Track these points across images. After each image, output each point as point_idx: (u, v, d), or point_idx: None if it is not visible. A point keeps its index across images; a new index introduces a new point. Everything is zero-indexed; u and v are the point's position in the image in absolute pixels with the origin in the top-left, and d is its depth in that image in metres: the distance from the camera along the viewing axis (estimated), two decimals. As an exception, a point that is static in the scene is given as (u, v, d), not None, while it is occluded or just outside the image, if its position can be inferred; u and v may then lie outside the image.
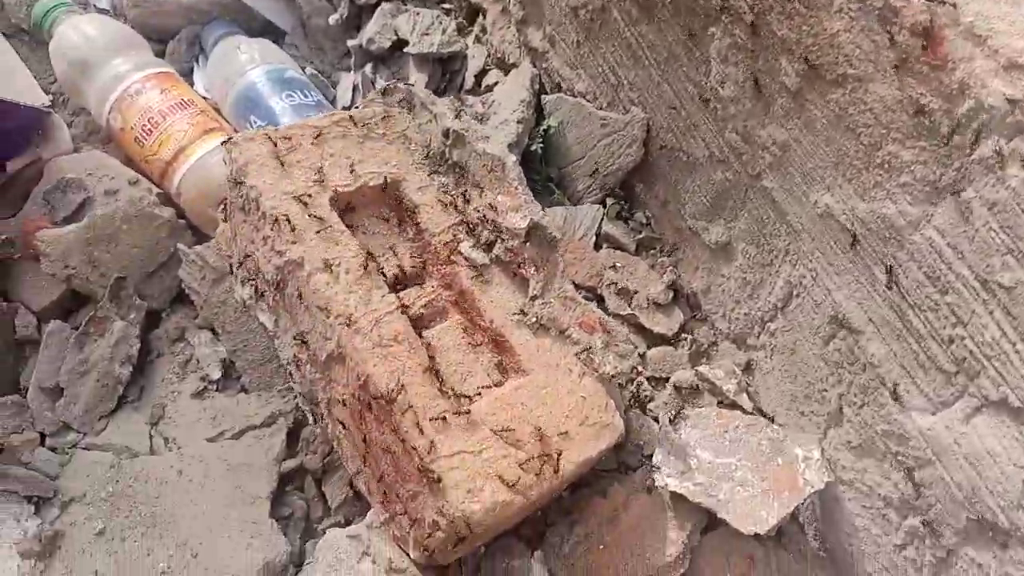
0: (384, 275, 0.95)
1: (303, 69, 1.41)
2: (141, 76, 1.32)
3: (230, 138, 0.97)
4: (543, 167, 1.25)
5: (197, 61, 1.47)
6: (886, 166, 0.77)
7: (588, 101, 1.16)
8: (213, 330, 1.23)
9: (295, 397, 1.16)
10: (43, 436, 1.16)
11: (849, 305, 0.87)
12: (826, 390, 0.94)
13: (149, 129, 1.29)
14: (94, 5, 1.48)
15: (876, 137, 0.77)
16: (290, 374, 0.99)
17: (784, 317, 0.98)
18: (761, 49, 0.85)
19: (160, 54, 1.44)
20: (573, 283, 1.09)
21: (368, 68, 1.37)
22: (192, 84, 1.44)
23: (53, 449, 1.15)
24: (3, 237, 1.22)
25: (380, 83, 1.36)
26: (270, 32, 1.45)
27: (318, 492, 1.13)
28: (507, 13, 1.27)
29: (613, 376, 0.95)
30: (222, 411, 1.18)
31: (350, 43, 1.38)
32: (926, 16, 0.69)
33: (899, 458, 0.84)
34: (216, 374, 1.21)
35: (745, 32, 0.86)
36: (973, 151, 0.69)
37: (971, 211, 0.70)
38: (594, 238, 1.18)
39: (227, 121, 1.36)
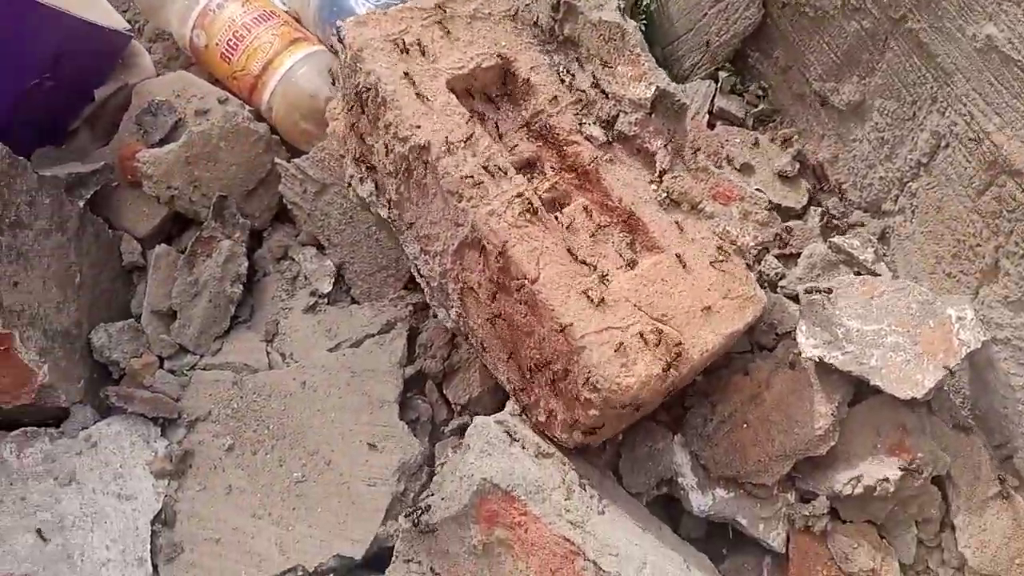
0: (507, 157, 0.91)
1: (380, -27, 1.36)
2: (221, -11, 1.29)
3: (340, 27, 0.93)
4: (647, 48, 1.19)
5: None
6: (1069, -22, 0.70)
7: (697, -33, 1.09)
8: (318, 244, 1.22)
9: (408, 306, 1.15)
10: (161, 360, 1.16)
11: (1012, 145, 0.81)
12: (979, 245, 0.88)
13: (235, 43, 1.26)
14: (159, -74, 1.44)
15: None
16: (416, 269, 0.97)
17: (928, 174, 0.92)
18: None
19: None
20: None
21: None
22: (268, -1, 1.40)
23: (172, 371, 1.16)
24: (102, 164, 1.21)
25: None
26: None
27: (440, 396, 1.12)
28: None
29: (753, 246, 0.91)
30: (336, 323, 1.17)
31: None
32: None
33: (1074, 303, 0.80)
34: (326, 288, 1.20)
35: None
36: None
37: None
38: (707, 116, 1.13)
39: (310, 31, 1.32)
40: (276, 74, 1.24)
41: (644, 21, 1.16)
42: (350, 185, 1.01)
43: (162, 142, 1.23)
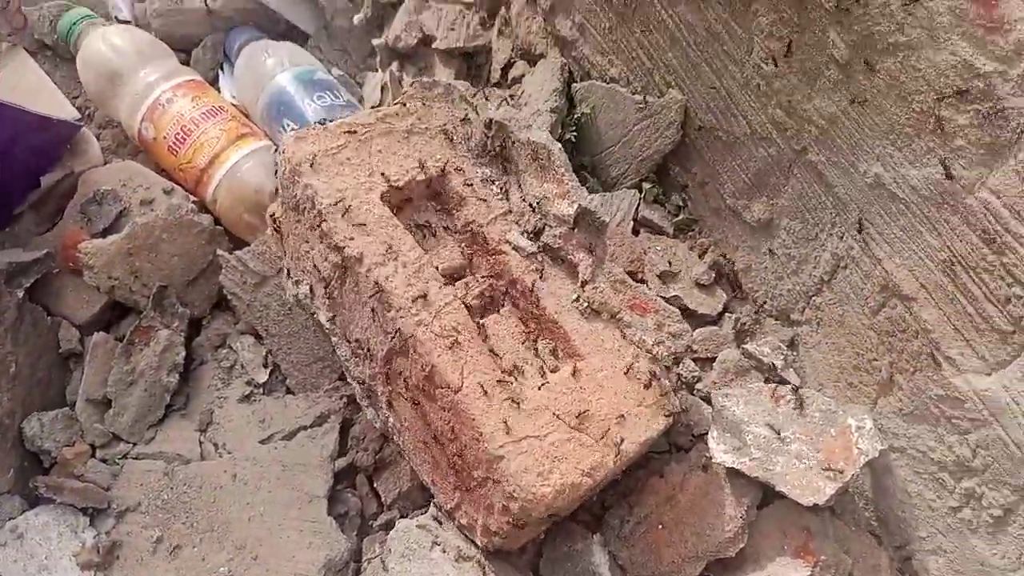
0: (437, 268, 0.96)
1: (329, 71, 1.42)
2: (171, 85, 1.33)
3: (279, 142, 0.98)
4: (576, 155, 1.26)
5: (222, 67, 1.48)
6: (939, 131, 0.78)
7: (621, 87, 1.17)
8: (256, 334, 1.24)
9: (342, 397, 1.17)
10: (93, 448, 1.17)
11: (900, 273, 0.88)
12: (876, 359, 0.95)
13: (182, 137, 1.30)
14: (116, 17, 1.49)
15: (929, 103, 0.78)
16: (347, 370, 1.00)
17: (831, 290, 0.99)
18: (808, 23, 0.86)
19: (185, 63, 1.45)
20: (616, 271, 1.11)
21: (394, 66, 1.38)
22: (219, 91, 1.45)
23: (104, 460, 1.16)
24: (43, 252, 1.23)
25: (407, 80, 1.37)
26: (293, 35, 1.46)
27: (370, 489, 1.14)
28: (533, 4, 1.28)
29: (665, 356, 0.96)
30: (270, 414, 1.19)
31: (375, 42, 1.39)
32: (978, -19, 0.70)
33: (954, 421, 0.86)
34: (262, 377, 1.22)
35: (791, 7, 0.87)
36: (1031, 109, 0.71)
37: (1020, 173, 0.72)
38: (631, 223, 1.19)
39: (257, 126, 1.37)
40: (222, 168, 1.28)
41: (575, 132, 1.23)
42: (285, 286, 1.04)
43: (106, 231, 1.26)
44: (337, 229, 0.92)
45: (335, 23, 1.43)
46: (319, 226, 0.94)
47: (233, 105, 1.40)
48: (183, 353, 1.21)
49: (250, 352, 1.24)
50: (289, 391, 1.22)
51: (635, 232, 1.20)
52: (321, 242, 0.94)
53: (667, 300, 1.12)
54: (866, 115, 0.85)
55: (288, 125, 1.30)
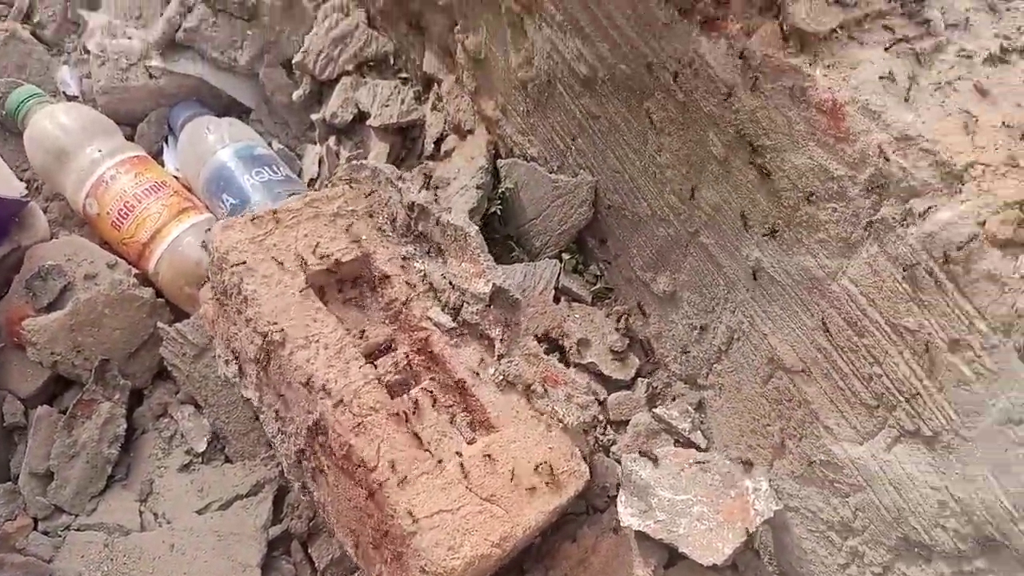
0: (359, 347, 1.02)
1: (269, 144, 1.48)
2: (115, 162, 1.39)
3: (209, 228, 1.04)
4: (503, 226, 1.33)
5: (166, 141, 1.54)
6: (804, 224, 0.86)
7: (540, 165, 1.25)
8: (196, 404, 1.29)
9: (278, 465, 1.22)
10: (36, 521, 1.20)
11: (783, 348, 0.95)
12: (769, 425, 1.02)
13: (125, 213, 1.35)
14: (64, 92, 1.54)
15: (795, 199, 0.86)
16: (275, 446, 1.05)
17: (728, 359, 1.07)
18: (691, 122, 0.94)
19: (130, 137, 1.51)
20: (536, 336, 1.18)
21: (332, 141, 1.44)
22: (163, 164, 1.50)
23: (46, 533, 1.20)
24: (-12, 327, 1.27)
25: (344, 154, 1.44)
26: (235, 109, 1.53)
27: (305, 556, 1.18)
28: (461, 83, 1.36)
29: (576, 426, 1.03)
30: (208, 483, 1.23)
31: (313, 117, 1.46)
32: (828, 95, 0.78)
33: (836, 485, 0.93)
34: (201, 446, 1.27)
35: (676, 107, 0.95)
36: (876, 212, 0.78)
37: (877, 264, 0.80)
38: (553, 291, 1.26)
39: (199, 199, 1.43)
40: (163, 243, 1.34)
41: (500, 206, 1.30)
42: (218, 364, 1.10)
43: (50, 306, 1.30)
44: (261, 314, 0.98)
45: (275, 98, 1.49)
46: (245, 310, 0.99)
47: (176, 178, 1.45)
48: (124, 425, 1.26)
49: (190, 421, 1.29)
50: (228, 459, 1.27)
51: (556, 300, 1.26)
52: (247, 326, 1.00)
53: (584, 367, 1.19)
54: (744, 206, 0.93)
55: (228, 200, 1.36)
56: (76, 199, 1.40)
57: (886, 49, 0.78)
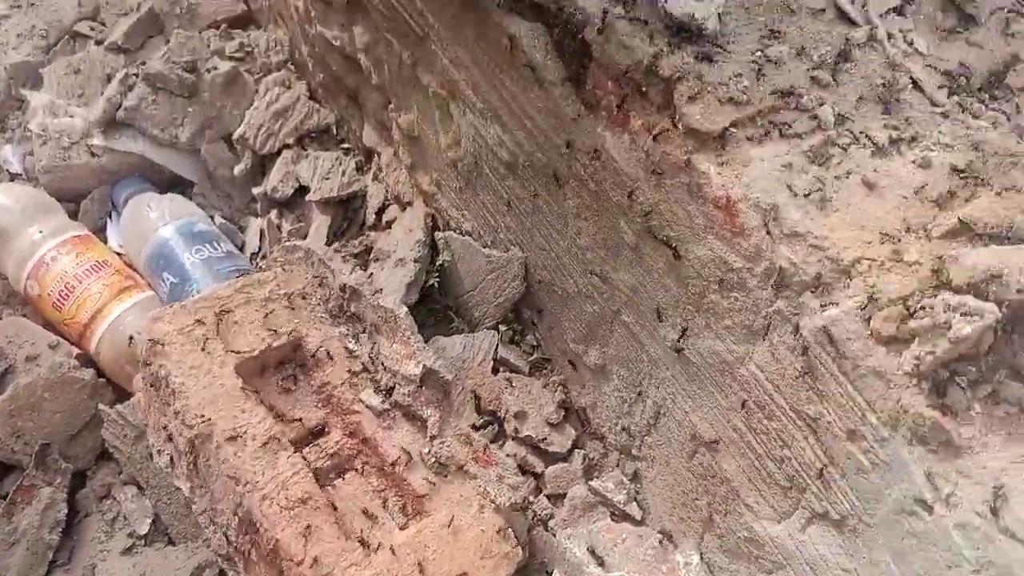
0: (290, 435, 1.02)
1: (212, 218, 1.50)
2: (56, 242, 1.39)
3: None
4: (443, 296, 1.35)
5: (110, 216, 1.55)
6: (711, 311, 0.88)
7: (475, 239, 1.27)
8: (138, 485, 1.29)
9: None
10: (-24, 608, 1.20)
11: (703, 426, 0.97)
12: (697, 499, 1.03)
13: (66, 294, 1.36)
14: (7, 170, 1.55)
15: (700, 287, 0.88)
16: (206, 537, 1.06)
17: (657, 432, 1.08)
18: (603, 210, 0.97)
19: (74, 214, 1.52)
20: (476, 407, 1.19)
21: (273, 214, 1.46)
22: (107, 240, 1.51)
23: (-14, 620, 1.19)
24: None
25: (286, 227, 1.46)
26: (178, 184, 1.54)
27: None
28: (398, 157, 1.38)
29: (507, 507, 1.04)
30: (151, 565, 1.22)
31: (255, 191, 1.48)
32: (723, 192, 0.81)
33: (760, 561, 0.94)
34: (143, 529, 1.26)
35: (589, 195, 0.98)
36: (773, 304, 0.81)
37: (778, 352, 0.82)
38: (492, 362, 1.28)
39: (142, 276, 1.43)
40: (104, 322, 1.34)
41: (438, 278, 1.32)
42: (154, 452, 1.10)
43: (-10, 390, 1.30)
44: (188, 407, 0.99)
45: (218, 172, 1.51)
46: (173, 403, 1.00)
47: (119, 255, 1.46)
48: (65, 510, 1.25)
49: (133, 503, 1.29)
50: (170, 541, 1.27)
51: (495, 371, 1.28)
52: (176, 418, 1.01)
53: (521, 440, 1.20)
54: (658, 289, 0.95)
55: (168, 279, 1.37)
56: (17, 280, 1.40)
57: (777, 146, 0.81)
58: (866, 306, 0.73)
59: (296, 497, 0.96)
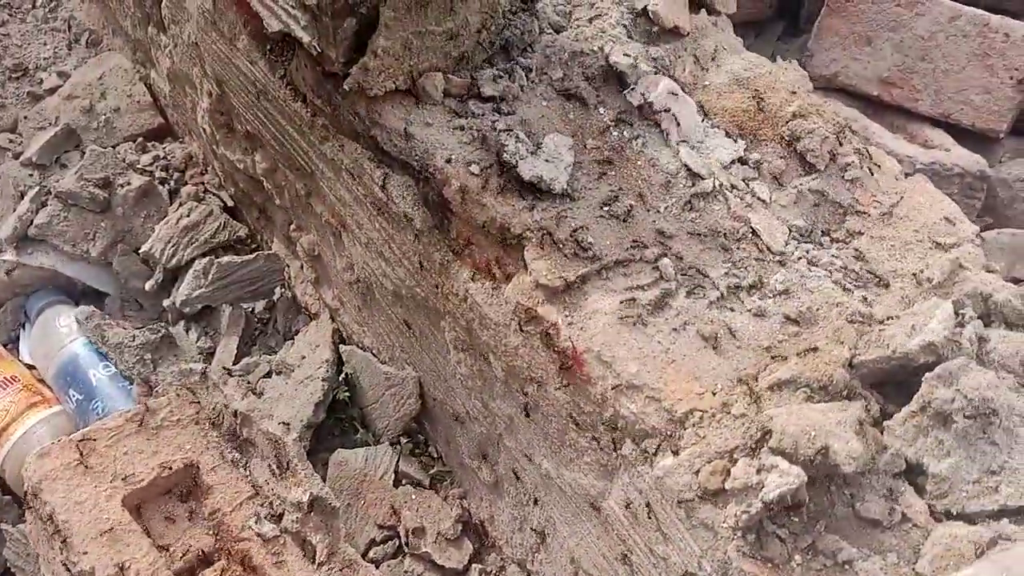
0: (174, 568, 1.04)
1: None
2: (-36, 359, 1.40)
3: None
4: (350, 407, 1.38)
5: (23, 327, 1.56)
6: (573, 448, 0.93)
7: (374, 355, 1.30)
8: (40, 606, 1.28)
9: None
10: None
11: (579, 551, 1.01)
12: (581, 620, 1.06)
13: (-28, 411, 1.36)
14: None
15: (561, 425, 0.93)
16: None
17: (545, 551, 1.11)
18: (475, 346, 1.01)
19: (-14, 326, 1.53)
20: (378, 524, 1.22)
21: (181, 324, 1.49)
22: (18, 352, 1.52)
23: None
24: None
25: (193, 337, 1.48)
26: (91, 295, 1.56)
27: None
28: (303, 272, 1.42)
29: (394, 632, 1.06)
30: None
31: (165, 303, 1.50)
32: (570, 343, 0.86)
33: None
34: (40, 650, 1.26)
35: (463, 331, 1.02)
36: (618, 448, 0.85)
37: (630, 494, 0.86)
38: (393, 475, 1.31)
39: (51, 388, 1.44)
40: (10, 440, 1.35)
41: (347, 392, 1.35)
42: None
43: None
44: (72, 544, 1.00)
45: (130, 284, 1.53)
46: (56, 541, 1.01)
47: (30, 368, 1.47)
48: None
49: (31, 623, 1.28)
50: (68, 663, 1.26)
51: (397, 483, 1.31)
52: (60, 554, 1.02)
53: (419, 556, 1.23)
54: (529, 423, 0.99)
55: (74, 396, 1.38)
56: (-77, 398, 1.40)
57: (619, 298, 0.86)
58: (694, 460, 0.78)
59: (177, 636, 0.97)
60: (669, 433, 0.81)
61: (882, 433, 0.77)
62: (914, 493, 0.75)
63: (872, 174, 1.01)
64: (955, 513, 0.73)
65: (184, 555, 1.07)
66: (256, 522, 1.11)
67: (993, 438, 0.74)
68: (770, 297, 0.89)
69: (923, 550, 0.71)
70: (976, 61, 1.94)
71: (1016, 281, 1.63)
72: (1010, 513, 0.72)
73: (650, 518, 0.84)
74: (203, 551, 1.09)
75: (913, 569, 0.70)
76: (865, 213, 0.98)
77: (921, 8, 1.99)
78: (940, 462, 0.75)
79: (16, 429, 1.36)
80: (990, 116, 1.95)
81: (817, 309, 0.87)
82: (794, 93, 1.06)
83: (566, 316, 0.86)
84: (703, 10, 1.16)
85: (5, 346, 1.51)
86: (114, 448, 1.10)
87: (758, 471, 0.72)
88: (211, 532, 1.11)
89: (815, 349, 0.83)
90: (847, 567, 0.71)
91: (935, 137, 1.98)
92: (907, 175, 1.05)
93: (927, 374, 0.77)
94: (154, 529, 1.08)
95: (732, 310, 0.87)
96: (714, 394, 0.81)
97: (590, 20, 1.09)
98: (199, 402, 1.19)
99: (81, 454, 1.07)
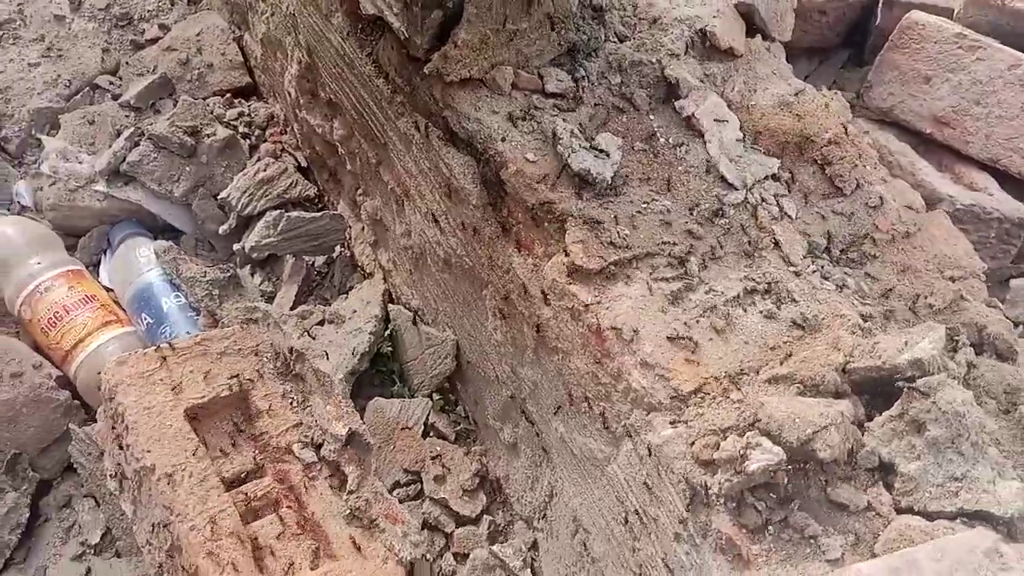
0: (223, 475, 1.17)
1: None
2: (52, 274, 1.56)
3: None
4: (391, 362, 1.51)
5: (105, 253, 1.71)
6: (588, 414, 1.03)
7: (419, 316, 1.43)
8: (96, 499, 1.44)
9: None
10: (-67, 597, 1.34)
11: (581, 511, 1.11)
12: (577, 573, 1.17)
13: (54, 321, 1.52)
14: (19, 203, 1.72)
15: (581, 392, 1.03)
16: (143, 555, 1.20)
17: (552, 509, 1.22)
18: (513, 315, 1.12)
19: (72, 248, 1.69)
20: (404, 468, 1.34)
21: (248, 268, 1.63)
22: (99, 274, 1.68)
23: (-59, 607, 1.33)
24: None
25: (256, 280, 1.62)
26: (170, 232, 1.71)
27: (175, 649, 1.31)
28: (364, 233, 1.55)
29: (408, 561, 1.18)
30: (96, 574, 1.37)
31: (235, 247, 1.64)
32: (595, 320, 0.96)
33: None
34: (95, 539, 1.41)
35: (503, 301, 1.13)
36: (629, 418, 0.96)
37: (632, 460, 0.97)
38: (423, 427, 1.43)
39: (125, 311, 1.59)
40: (85, 351, 1.50)
41: (390, 346, 1.48)
42: (107, 476, 1.25)
43: (-24, 403, 1.45)
44: (138, 442, 1.14)
45: (206, 226, 1.68)
46: (125, 437, 1.15)
47: (108, 290, 1.63)
48: (27, 514, 1.40)
49: (88, 515, 1.44)
50: (117, 554, 1.41)
51: (425, 435, 1.43)
52: (127, 450, 1.16)
53: (436, 500, 1.35)
54: (551, 389, 1.10)
55: (145, 319, 1.53)
56: (13, 303, 1.56)
57: (645, 286, 0.97)
58: (691, 433, 0.88)
59: (220, 531, 1.10)
60: (673, 408, 0.91)
61: (862, 432, 0.87)
62: (883, 488, 0.84)
63: (895, 203, 1.10)
64: (916, 510, 0.82)
65: (231, 466, 1.20)
66: (297, 448, 1.24)
67: (960, 449, 0.83)
68: (781, 303, 0.98)
69: (881, 536, 0.80)
70: (1030, 111, 1.98)
71: (1036, 330, 1.70)
72: (965, 516, 0.81)
73: (647, 479, 0.94)
74: (248, 466, 1.22)
75: (870, 549, 0.80)
76: (882, 239, 1.07)
77: (983, 53, 2.03)
78: (910, 464, 0.84)
79: (91, 343, 1.51)
80: (1037, 166, 1.99)
81: (822, 318, 0.97)
82: (833, 121, 1.15)
83: (595, 296, 0.97)
84: (759, 35, 1.25)
85: (87, 268, 1.67)
86: (182, 366, 1.24)
87: (744, 447, 0.82)
88: (257, 451, 1.24)
89: (814, 352, 0.92)
90: (812, 541, 0.81)
91: (980, 180, 2.02)
92: (928, 209, 1.14)
93: (909, 385, 0.86)
94: (209, 440, 1.21)
95: (745, 310, 0.97)
96: (717, 380, 0.91)
97: (652, 34, 1.19)
98: (260, 336, 1.32)
99: (154, 366, 1.21)
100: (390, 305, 1.51)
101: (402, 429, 1.43)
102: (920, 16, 1.91)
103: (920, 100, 2.07)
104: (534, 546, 1.31)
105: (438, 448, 1.40)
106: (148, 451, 1.13)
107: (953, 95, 2.04)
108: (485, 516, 1.35)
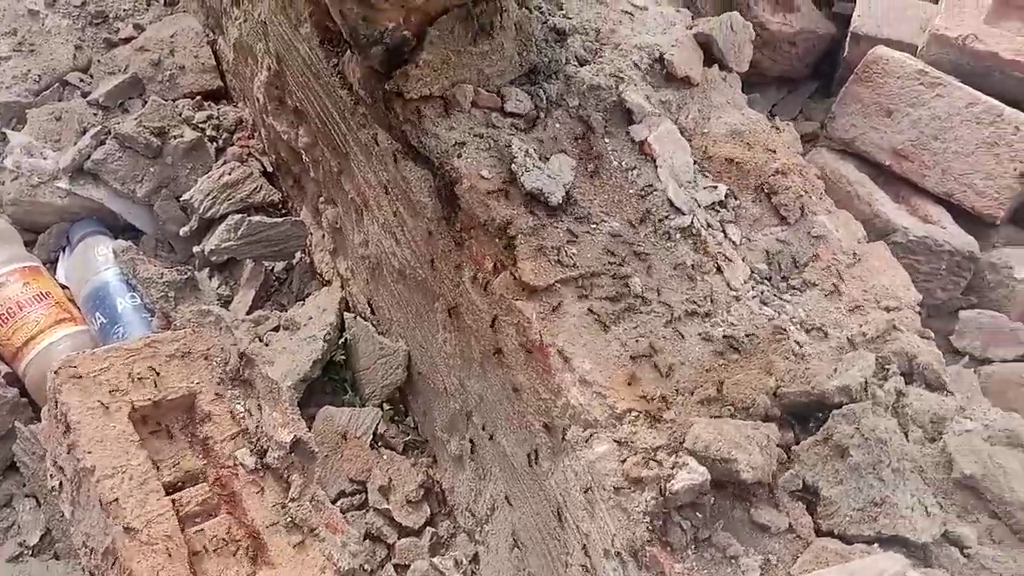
0: (164, 479, 1.17)
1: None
2: (8, 270, 1.55)
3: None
4: (344, 370, 1.51)
5: (64, 250, 1.70)
6: (530, 430, 1.05)
7: (374, 326, 1.43)
8: (37, 499, 1.42)
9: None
10: None
11: (520, 524, 1.12)
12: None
13: (7, 317, 1.51)
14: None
15: (523, 408, 1.05)
16: (79, 557, 1.19)
17: (492, 523, 1.23)
18: (461, 328, 1.14)
19: (31, 243, 1.68)
20: (350, 477, 1.34)
21: (206, 271, 1.62)
22: (56, 271, 1.67)
23: None
24: None
25: (214, 284, 1.62)
26: (130, 232, 1.70)
27: (108, 652, 1.30)
28: (324, 241, 1.56)
29: (346, 571, 1.18)
30: (32, 575, 1.35)
31: (195, 249, 1.64)
32: (538, 337, 0.98)
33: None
34: (33, 540, 1.40)
35: (452, 313, 1.15)
36: (567, 433, 0.97)
37: (568, 475, 0.98)
38: (371, 436, 1.43)
39: (80, 309, 1.59)
40: (35, 349, 1.49)
41: (343, 354, 1.48)
42: (48, 475, 1.24)
43: (-82, 396, 1.44)
44: (79, 443, 1.13)
45: (166, 227, 1.67)
46: (68, 438, 1.15)
47: (64, 288, 1.62)
48: (-36, 511, 1.38)
49: (28, 515, 1.42)
50: (56, 556, 1.40)
51: (373, 445, 1.43)
52: (68, 451, 1.15)
53: (380, 511, 1.35)
54: (496, 403, 1.11)
55: (99, 318, 1.52)
56: (-32, 298, 1.55)
57: (588, 304, 0.98)
58: (622, 451, 0.89)
59: (156, 535, 1.10)
60: (608, 425, 0.92)
61: (789, 455, 0.89)
62: (804, 510, 0.86)
63: (837, 234, 1.13)
64: (836, 533, 0.84)
65: (173, 470, 1.20)
66: (241, 454, 1.24)
67: (881, 475, 0.85)
68: (719, 326, 1.00)
69: (800, 557, 0.82)
70: (985, 148, 2.03)
71: (987, 362, 1.74)
72: (883, 541, 0.83)
73: (582, 495, 0.95)
74: (190, 471, 1.22)
75: (788, 571, 0.81)
76: (822, 267, 1.09)
77: (943, 90, 2.07)
78: (832, 488, 0.86)
79: (43, 340, 1.51)
80: (990, 202, 2.03)
81: (757, 343, 0.99)
82: (782, 152, 1.18)
83: (539, 313, 0.98)
84: (716, 65, 1.28)
85: (44, 265, 1.66)
86: (129, 367, 1.23)
87: (672, 466, 0.84)
88: (200, 456, 1.24)
89: (747, 376, 0.94)
90: (733, 560, 0.83)
91: (935, 213, 2.06)
92: (882, 239, 1.16)
93: (835, 411, 0.88)
94: (151, 443, 1.21)
95: (683, 332, 0.99)
96: (652, 400, 0.93)
97: (612, 59, 1.21)
98: (211, 340, 1.32)
99: (102, 367, 1.21)
100: (346, 313, 1.51)
101: (350, 438, 1.44)
102: (884, 51, 1.96)
103: (881, 133, 2.12)
104: (475, 559, 1.32)
105: (385, 458, 1.41)
106: (89, 452, 1.13)
107: (912, 129, 2.09)
108: (428, 528, 1.36)
